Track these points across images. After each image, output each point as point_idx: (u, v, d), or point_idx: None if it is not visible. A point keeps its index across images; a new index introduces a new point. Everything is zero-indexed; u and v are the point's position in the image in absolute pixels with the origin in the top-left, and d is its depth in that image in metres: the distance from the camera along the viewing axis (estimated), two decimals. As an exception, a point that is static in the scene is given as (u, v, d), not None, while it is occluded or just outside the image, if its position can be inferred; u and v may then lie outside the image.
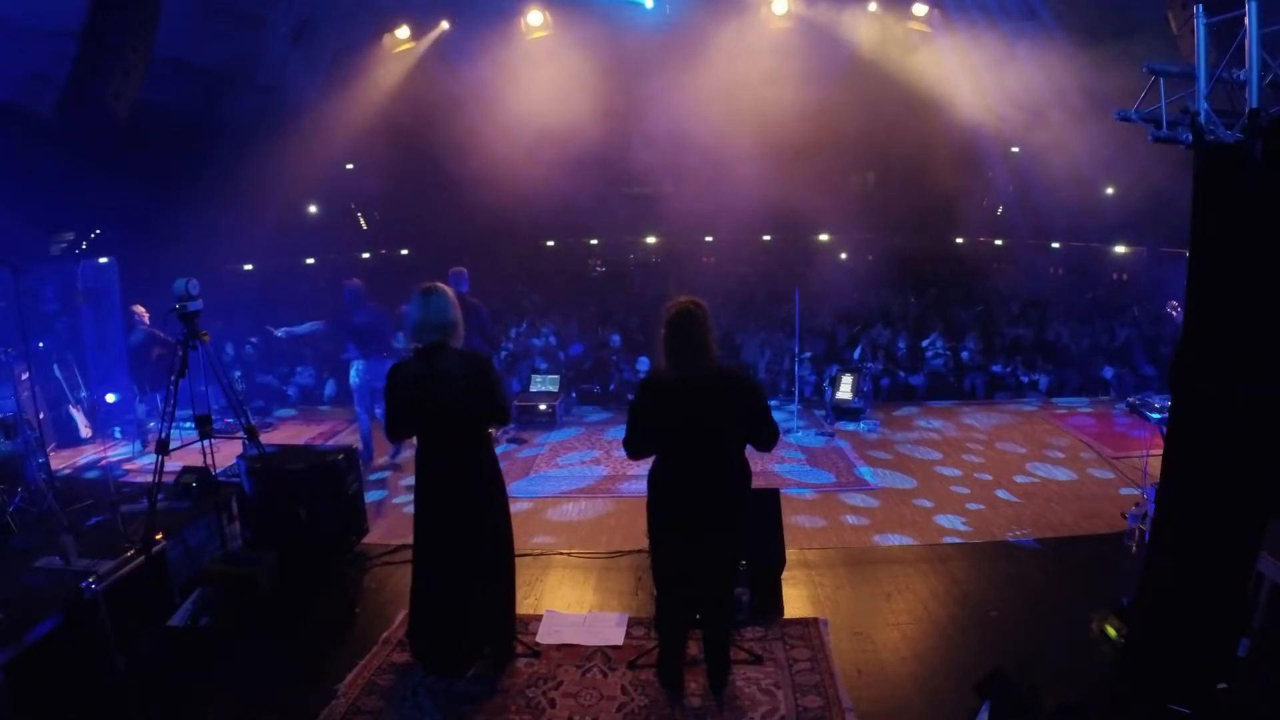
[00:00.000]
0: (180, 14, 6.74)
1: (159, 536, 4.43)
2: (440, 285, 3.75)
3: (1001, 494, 6.30)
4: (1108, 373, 9.70)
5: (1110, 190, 11.87)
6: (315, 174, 10.72)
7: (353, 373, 7.39)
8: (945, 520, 5.82)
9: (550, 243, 17.33)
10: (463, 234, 14.00)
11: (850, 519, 5.89)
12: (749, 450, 3.59)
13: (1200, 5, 2.88)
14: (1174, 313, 9.82)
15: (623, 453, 3.60)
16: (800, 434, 8.04)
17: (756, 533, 4.61)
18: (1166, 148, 3.11)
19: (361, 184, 13.20)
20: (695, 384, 3.41)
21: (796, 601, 4.58)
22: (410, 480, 4.46)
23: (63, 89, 5.73)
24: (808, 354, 8.45)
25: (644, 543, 4.80)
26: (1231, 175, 2.88)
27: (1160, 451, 3.39)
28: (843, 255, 16.15)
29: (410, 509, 4.78)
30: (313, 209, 13.65)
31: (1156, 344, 9.96)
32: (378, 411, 7.49)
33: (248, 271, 13.55)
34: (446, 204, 13.07)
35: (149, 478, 4.70)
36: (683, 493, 3.51)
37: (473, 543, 3.75)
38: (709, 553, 3.56)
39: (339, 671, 3.91)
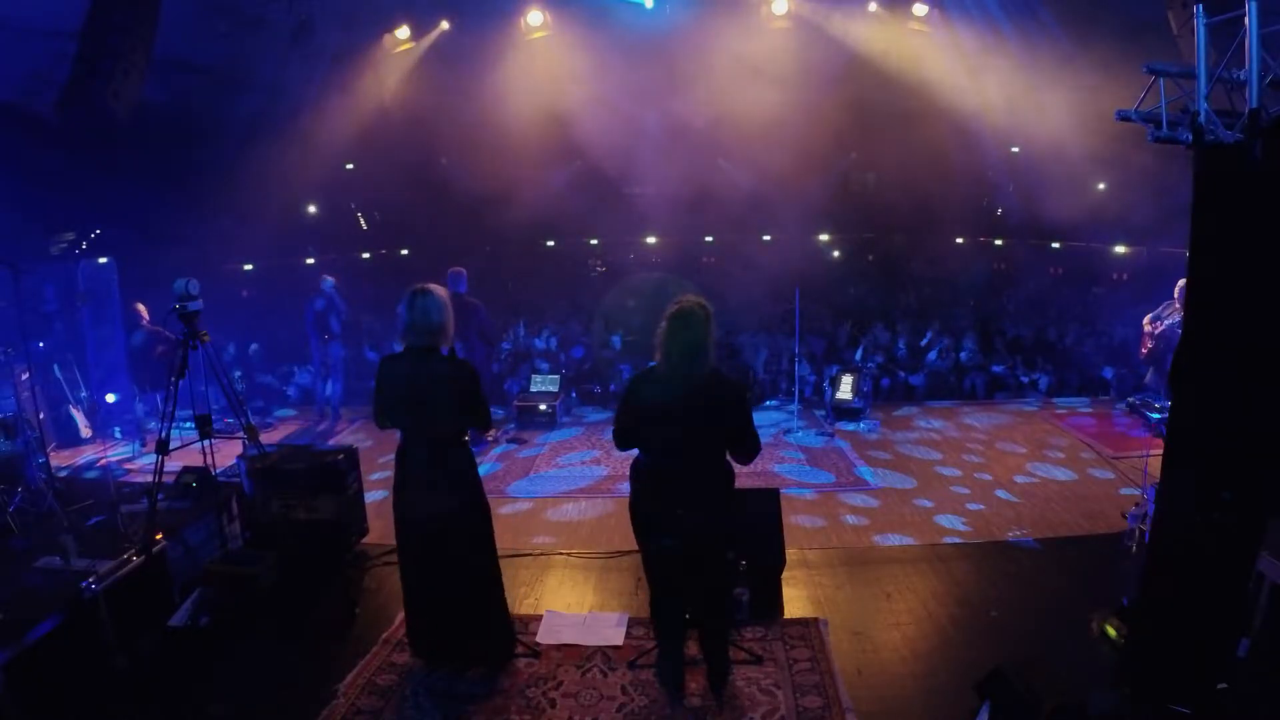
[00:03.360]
0: (180, 14, 6.74)
1: (159, 536, 4.44)
2: (431, 287, 3.70)
3: (1001, 494, 6.30)
4: (1108, 373, 9.70)
5: (1110, 191, 11.85)
6: (315, 174, 10.72)
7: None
8: (945, 520, 5.82)
9: (550, 243, 17.30)
10: (463, 234, 13.99)
11: (850, 519, 5.89)
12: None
13: (1200, 5, 2.88)
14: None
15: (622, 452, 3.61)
16: (800, 434, 8.03)
17: (756, 533, 4.62)
18: (1166, 148, 3.11)
19: (361, 184, 13.19)
20: (682, 384, 3.40)
21: (796, 601, 4.59)
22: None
23: (63, 89, 5.74)
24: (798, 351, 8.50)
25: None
26: (1231, 175, 2.88)
27: (1160, 451, 3.39)
28: (843, 255, 16.13)
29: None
30: (313, 209, 13.64)
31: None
32: (333, 383, 8.96)
33: (248, 271, 13.55)
34: (446, 204, 13.06)
35: (149, 478, 4.71)
36: (658, 490, 3.53)
37: (453, 541, 3.76)
38: (690, 551, 3.55)
39: (339, 671, 3.92)
